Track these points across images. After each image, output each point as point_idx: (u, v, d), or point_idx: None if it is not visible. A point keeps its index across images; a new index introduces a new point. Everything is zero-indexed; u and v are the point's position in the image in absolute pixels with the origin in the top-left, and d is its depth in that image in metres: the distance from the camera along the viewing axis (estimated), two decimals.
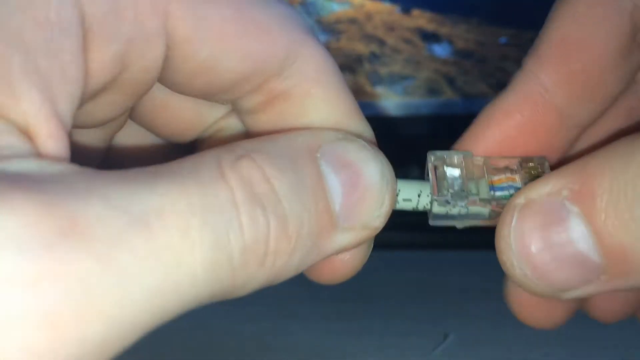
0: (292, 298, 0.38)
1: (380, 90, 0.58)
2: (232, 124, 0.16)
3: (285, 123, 0.15)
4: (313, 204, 0.12)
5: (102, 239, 0.10)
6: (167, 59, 0.13)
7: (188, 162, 0.12)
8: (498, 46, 0.54)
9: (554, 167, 0.15)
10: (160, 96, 0.15)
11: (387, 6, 0.59)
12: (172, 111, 0.15)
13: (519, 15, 0.55)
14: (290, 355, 0.28)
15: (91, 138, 0.15)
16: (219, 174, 0.11)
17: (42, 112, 0.11)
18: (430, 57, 0.57)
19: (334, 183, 0.13)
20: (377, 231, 0.14)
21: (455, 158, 0.16)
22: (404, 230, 0.54)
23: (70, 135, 0.11)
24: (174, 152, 0.17)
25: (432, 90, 0.57)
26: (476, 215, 0.15)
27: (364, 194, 0.13)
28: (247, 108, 0.15)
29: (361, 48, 0.59)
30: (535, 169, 0.15)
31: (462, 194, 0.15)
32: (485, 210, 0.15)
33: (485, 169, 0.15)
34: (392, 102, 0.58)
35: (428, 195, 0.15)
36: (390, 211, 0.14)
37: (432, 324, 0.33)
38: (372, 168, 0.13)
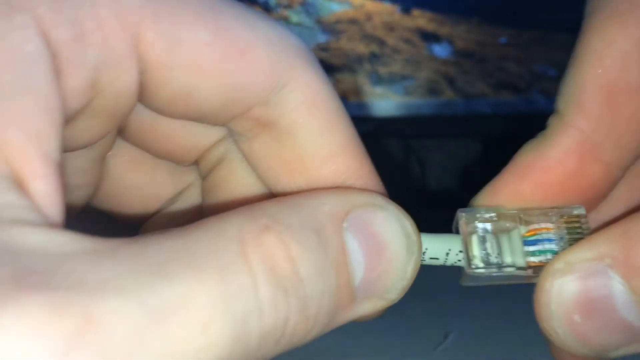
0: None
1: (380, 90, 0.58)
2: (233, 151, 0.15)
3: (279, 152, 0.14)
4: (335, 282, 0.12)
5: (118, 338, 0.09)
6: (142, 84, 0.12)
7: (207, 236, 0.11)
8: (498, 46, 0.54)
9: (594, 211, 0.15)
10: (148, 117, 0.14)
11: (387, 6, 0.59)
12: (162, 132, 0.15)
13: (519, 15, 0.55)
14: (290, 355, 0.28)
15: (79, 160, 0.14)
16: (240, 253, 0.11)
17: (28, 153, 0.10)
18: (430, 57, 0.57)
19: (358, 256, 0.12)
20: (394, 302, 0.13)
21: (487, 216, 0.14)
22: None
23: (61, 167, 0.11)
24: (178, 170, 0.16)
25: (432, 90, 0.57)
26: (511, 277, 0.15)
27: (386, 268, 0.13)
28: (238, 132, 0.14)
29: (361, 48, 0.59)
30: (573, 221, 0.14)
31: (494, 266, 0.14)
32: (520, 273, 0.14)
33: (519, 221, 0.15)
34: (392, 102, 0.58)
35: (457, 254, 0.15)
36: (411, 283, 0.13)
37: (432, 324, 0.33)
38: (399, 241, 0.13)
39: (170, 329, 0.09)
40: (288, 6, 0.61)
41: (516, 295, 0.39)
